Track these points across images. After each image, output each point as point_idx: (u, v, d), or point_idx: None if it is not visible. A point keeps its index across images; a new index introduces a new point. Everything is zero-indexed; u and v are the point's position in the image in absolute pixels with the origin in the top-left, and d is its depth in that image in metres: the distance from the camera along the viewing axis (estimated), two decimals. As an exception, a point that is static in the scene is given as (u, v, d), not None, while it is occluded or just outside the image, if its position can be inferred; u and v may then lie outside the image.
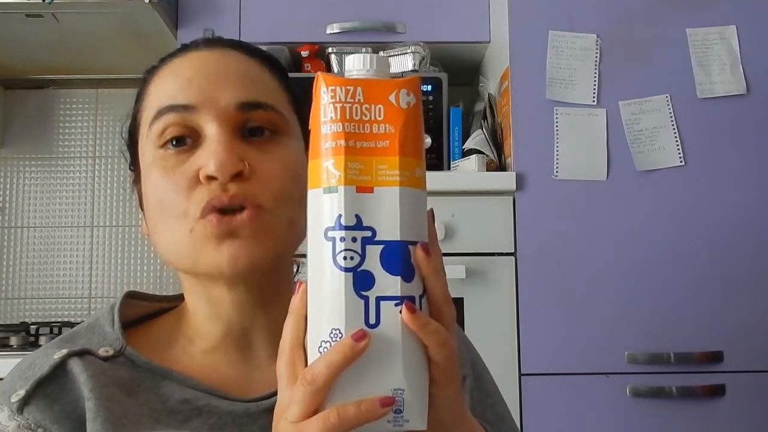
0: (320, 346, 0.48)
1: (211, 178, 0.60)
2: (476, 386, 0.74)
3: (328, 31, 1.73)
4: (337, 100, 0.49)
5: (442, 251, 0.52)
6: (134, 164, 0.70)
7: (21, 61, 1.94)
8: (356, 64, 0.51)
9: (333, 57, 1.76)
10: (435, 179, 1.45)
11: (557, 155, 1.52)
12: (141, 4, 1.58)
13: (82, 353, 0.62)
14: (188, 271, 0.65)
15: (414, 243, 0.49)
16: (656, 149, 1.53)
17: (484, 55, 1.84)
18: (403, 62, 1.71)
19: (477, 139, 1.65)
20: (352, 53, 1.75)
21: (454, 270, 1.44)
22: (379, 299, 0.47)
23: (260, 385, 0.65)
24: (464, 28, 1.75)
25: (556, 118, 1.54)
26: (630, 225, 1.51)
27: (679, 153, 1.53)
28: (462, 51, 1.80)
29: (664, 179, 1.52)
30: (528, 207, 1.51)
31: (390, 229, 0.48)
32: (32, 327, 1.70)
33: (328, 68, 1.78)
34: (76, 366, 0.60)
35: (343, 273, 0.47)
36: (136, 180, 0.69)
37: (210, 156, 0.60)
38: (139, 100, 0.69)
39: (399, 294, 0.47)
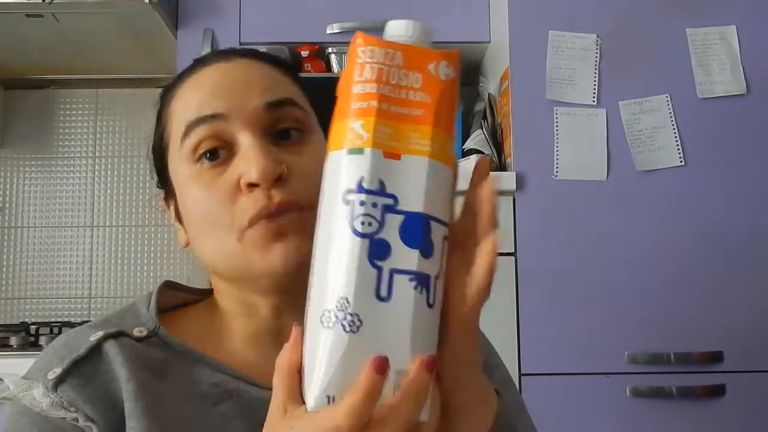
0: (323, 316, 0.44)
1: (252, 186, 0.61)
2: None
3: (328, 31, 1.73)
4: (375, 60, 0.46)
5: None
6: (163, 182, 0.70)
7: (21, 61, 1.94)
8: (398, 29, 0.48)
9: (333, 57, 1.76)
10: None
11: (557, 155, 1.52)
12: (141, 4, 1.58)
13: (117, 335, 0.62)
14: (237, 278, 0.65)
15: (436, 220, 0.45)
16: (656, 149, 1.53)
17: (484, 55, 1.84)
18: (403, 62, 1.71)
19: (477, 139, 1.65)
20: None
21: (454, 270, 1.43)
22: (393, 272, 0.44)
23: None
24: (464, 28, 1.75)
25: (556, 118, 1.53)
26: (630, 225, 1.51)
27: (679, 153, 1.53)
28: (462, 51, 1.80)
29: (664, 179, 1.52)
30: (528, 207, 1.51)
31: (413, 200, 0.45)
32: (32, 327, 1.70)
33: (328, 68, 1.78)
34: (111, 348, 0.61)
35: (358, 238, 0.44)
36: (168, 196, 0.70)
37: (249, 163, 0.61)
38: (160, 119, 0.69)
39: (415, 269, 0.44)
